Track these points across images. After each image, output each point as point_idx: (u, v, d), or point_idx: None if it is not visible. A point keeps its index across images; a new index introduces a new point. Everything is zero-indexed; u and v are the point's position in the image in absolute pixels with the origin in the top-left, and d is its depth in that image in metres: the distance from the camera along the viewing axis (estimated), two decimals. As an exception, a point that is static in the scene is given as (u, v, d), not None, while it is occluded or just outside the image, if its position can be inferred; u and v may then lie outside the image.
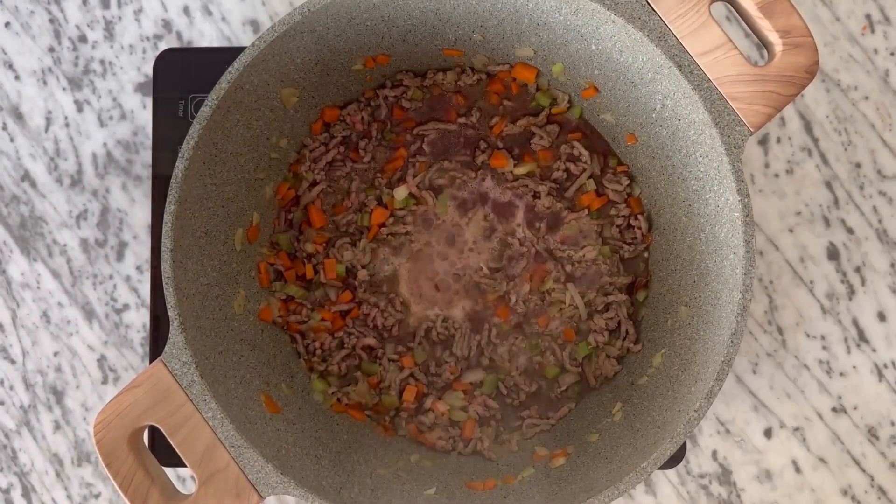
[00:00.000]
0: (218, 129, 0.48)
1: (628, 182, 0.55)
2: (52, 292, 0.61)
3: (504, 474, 0.52)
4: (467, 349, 0.56)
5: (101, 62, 0.61)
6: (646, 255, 0.56)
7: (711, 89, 0.45)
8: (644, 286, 0.55)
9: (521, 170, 0.56)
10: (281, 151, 0.54)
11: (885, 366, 0.60)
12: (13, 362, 0.61)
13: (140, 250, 0.61)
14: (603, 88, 0.52)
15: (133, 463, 0.45)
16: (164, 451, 0.55)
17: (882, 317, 0.60)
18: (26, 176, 0.61)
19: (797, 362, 0.60)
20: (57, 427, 0.61)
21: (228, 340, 0.50)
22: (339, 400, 0.55)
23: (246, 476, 0.46)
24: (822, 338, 0.60)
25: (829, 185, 0.60)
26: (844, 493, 0.60)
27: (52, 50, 0.61)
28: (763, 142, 0.60)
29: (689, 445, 0.59)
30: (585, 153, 0.55)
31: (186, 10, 0.61)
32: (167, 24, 0.61)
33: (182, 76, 0.58)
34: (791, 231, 0.60)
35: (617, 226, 0.56)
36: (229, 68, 0.47)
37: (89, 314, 0.61)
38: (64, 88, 0.61)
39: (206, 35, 0.61)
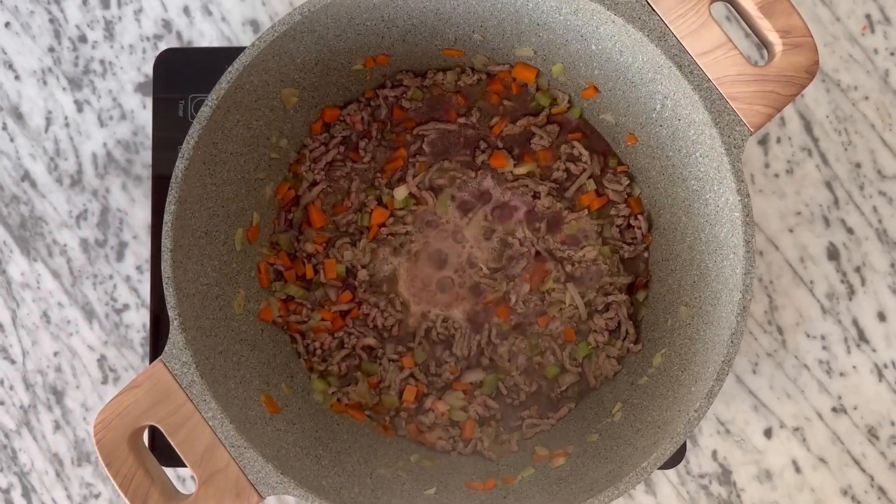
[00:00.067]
0: (218, 129, 0.48)
1: (628, 182, 0.55)
2: (52, 292, 0.61)
3: (504, 474, 0.52)
4: (467, 349, 0.56)
5: (101, 62, 0.61)
6: (646, 255, 0.56)
7: (711, 89, 0.45)
8: (644, 286, 0.55)
9: (521, 170, 0.56)
10: (281, 151, 0.54)
11: (885, 366, 0.60)
12: (13, 362, 0.61)
13: (140, 250, 0.61)
14: (603, 88, 0.52)
15: (133, 463, 0.45)
16: (164, 451, 0.55)
17: (882, 317, 0.60)
18: (26, 176, 0.61)
19: (797, 362, 0.60)
20: (57, 427, 0.61)
21: (228, 340, 0.50)
22: (339, 400, 0.55)
23: (246, 476, 0.46)
24: (822, 338, 0.60)
25: (829, 185, 0.60)
26: (844, 493, 0.60)
27: (52, 50, 0.61)
28: (763, 142, 0.60)
29: (689, 445, 0.59)
30: (585, 153, 0.55)
31: (186, 10, 0.61)
32: (167, 24, 0.61)
33: (182, 76, 0.58)
34: (791, 231, 0.60)
35: (617, 226, 0.56)
36: (229, 68, 0.47)
37: (89, 314, 0.61)
38: (64, 88, 0.61)
39: (206, 35, 0.61)
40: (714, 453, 0.60)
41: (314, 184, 0.56)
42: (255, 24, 0.61)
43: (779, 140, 0.60)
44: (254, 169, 0.52)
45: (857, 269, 0.60)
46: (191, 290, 0.48)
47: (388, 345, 0.56)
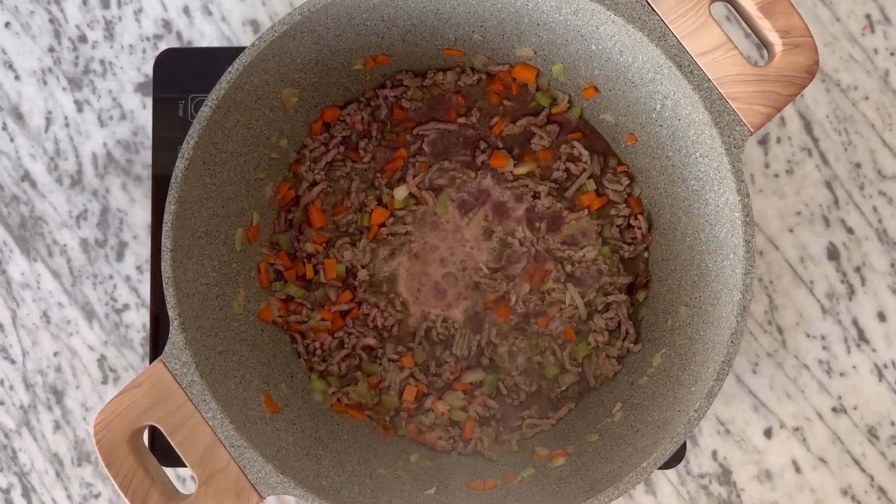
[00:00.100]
0: (218, 129, 0.48)
1: (628, 182, 0.55)
2: (52, 292, 0.61)
3: (504, 474, 0.52)
4: (467, 349, 0.56)
5: (101, 62, 0.61)
6: (646, 255, 0.56)
7: (711, 89, 0.45)
8: (644, 286, 0.55)
9: (521, 170, 0.56)
10: (281, 151, 0.54)
11: (885, 366, 0.60)
12: (13, 362, 0.61)
13: (140, 250, 0.61)
14: (603, 88, 0.52)
15: (133, 463, 0.45)
16: (164, 451, 0.55)
17: (882, 317, 0.60)
18: (26, 176, 0.61)
19: (797, 362, 0.60)
20: (57, 427, 0.61)
21: (228, 340, 0.50)
22: (339, 400, 0.55)
23: (246, 476, 0.46)
24: (822, 338, 0.60)
25: (829, 185, 0.60)
26: (844, 493, 0.60)
27: (52, 50, 0.61)
28: (763, 142, 0.60)
29: (689, 445, 0.59)
30: (585, 153, 0.55)
31: (186, 10, 0.61)
32: (167, 24, 0.61)
33: (182, 76, 0.58)
34: (791, 231, 0.60)
35: (617, 226, 0.56)
36: (229, 68, 0.47)
37: (89, 314, 0.61)
38: (64, 88, 0.61)
39: (206, 35, 0.61)
40: (714, 453, 0.60)
41: (314, 184, 0.56)
42: (255, 24, 0.61)
43: (779, 140, 0.60)
44: (254, 169, 0.52)
45: (857, 269, 0.60)
46: (191, 290, 0.48)
47: (388, 345, 0.56)
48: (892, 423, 0.60)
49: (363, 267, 0.56)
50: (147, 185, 0.61)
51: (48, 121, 0.61)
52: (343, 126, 0.56)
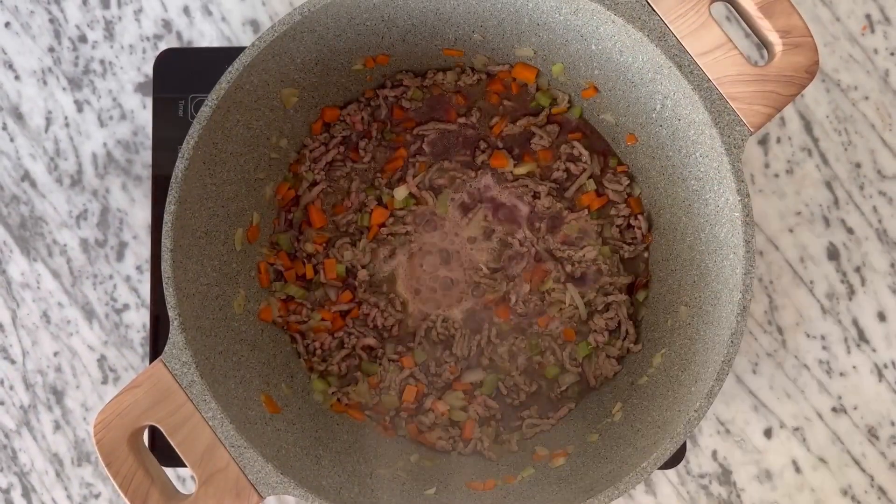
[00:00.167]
0: (218, 129, 0.48)
1: (628, 182, 0.55)
2: (52, 292, 0.61)
3: (504, 474, 0.52)
4: (467, 349, 0.56)
5: (101, 62, 0.61)
6: (646, 255, 0.56)
7: (711, 89, 0.45)
8: (644, 286, 0.55)
9: (521, 170, 0.56)
10: (281, 151, 0.54)
11: (885, 366, 0.60)
12: (13, 362, 0.61)
13: (140, 250, 0.61)
14: (603, 88, 0.52)
15: (133, 463, 0.45)
16: (164, 451, 0.55)
17: (882, 317, 0.60)
18: (26, 176, 0.61)
19: (797, 362, 0.60)
20: (57, 427, 0.61)
21: (228, 340, 0.50)
22: (339, 400, 0.55)
23: (246, 476, 0.46)
24: (822, 338, 0.60)
25: (829, 185, 0.60)
26: (844, 493, 0.60)
27: (52, 50, 0.61)
28: (763, 142, 0.60)
29: (689, 445, 0.59)
30: (585, 153, 0.55)
31: (186, 10, 0.61)
32: (167, 24, 0.61)
33: (182, 76, 0.58)
34: (791, 231, 0.60)
35: (617, 226, 0.56)
36: (229, 68, 0.47)
37: (89, 314, 0.61)
38: (64, 88, 0.61)
39: (206, 35, 0.61)
40: (714, 453, 0.60)
41: (314, 184, 0.56)
42: (255, 24, 0.61)
43: (779, 140, 0.60)
44: (254, 169, 0.52)
45: (857, 269, 0.60)
46: (191, 290, 0.48)
47: (388, 345, 0.56)
48: (892, 423, 0.60)
49: (363, 267, 0.56)
50: (147, 185, 0.61)
51: (48, 121, 0.61)
52: (343, 126, 0.56)
